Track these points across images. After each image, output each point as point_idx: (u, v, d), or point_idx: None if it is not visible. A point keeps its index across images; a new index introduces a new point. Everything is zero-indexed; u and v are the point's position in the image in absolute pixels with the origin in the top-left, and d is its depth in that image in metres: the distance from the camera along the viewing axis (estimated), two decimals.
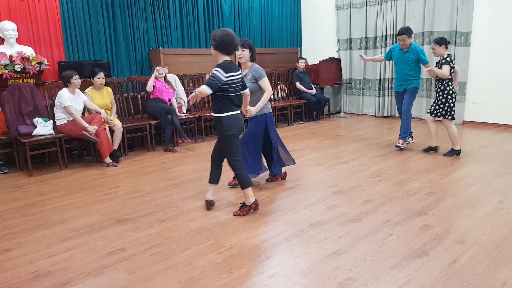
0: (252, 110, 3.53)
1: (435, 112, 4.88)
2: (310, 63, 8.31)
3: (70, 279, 2.38)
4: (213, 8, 7.46)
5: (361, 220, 3.10)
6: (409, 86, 5.24)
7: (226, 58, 3.03)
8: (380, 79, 7.94)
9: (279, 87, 7.83)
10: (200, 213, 3.32)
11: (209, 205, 3.41)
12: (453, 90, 4.76)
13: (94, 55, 6.08)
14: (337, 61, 8.51)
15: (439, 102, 4.81)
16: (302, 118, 7.72)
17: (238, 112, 3.16)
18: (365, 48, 8.12)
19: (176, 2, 6.92)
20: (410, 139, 5.57)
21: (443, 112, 4.80)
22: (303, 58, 7.86)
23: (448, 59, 4.68)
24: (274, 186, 3.95)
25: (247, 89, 3.30)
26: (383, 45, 7.79)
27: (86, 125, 4.63)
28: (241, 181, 3.24)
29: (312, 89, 7.72)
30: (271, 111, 3.88)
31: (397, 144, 5.26)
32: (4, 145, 4.78)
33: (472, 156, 4.87)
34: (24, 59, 4.90)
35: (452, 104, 4.75)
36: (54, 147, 4.75)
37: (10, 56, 4.83)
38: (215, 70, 2.96)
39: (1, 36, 5.08)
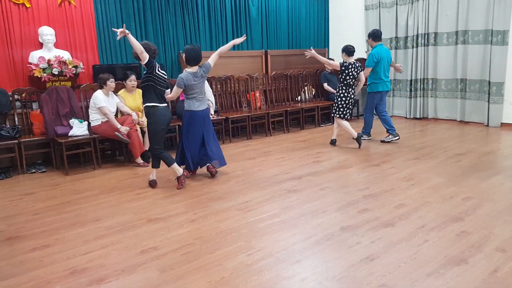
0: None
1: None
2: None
3: (105, 276, 2.44)
4: (241, 11, 7.50)
5: (394, 225, 3.02)
6: (367, 90, 5.96)
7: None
8: (411, 80, 7.73)
9: (306, 88, 7.78)
10: (229, 214, 3.34)
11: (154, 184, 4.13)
12: (343, 93, 5.49)
13: (127, 58, 6.23)
14: (364, 61, 8.34)
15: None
16: (330, 119, 7.63)
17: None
18: (396, 48, 7.93)
19: (205, 6, 7.01)
20: (365, 136, 6.00)
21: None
22: (331, 59, 7.75)
23: (345, 64, 5.39)
24: (303, 189, 3.91)
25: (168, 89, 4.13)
26: (414, 45, 7.59)
27: (119, 126, 4.75)
28: (165, 161, 4.06)
29: (336, 90, 7.60)
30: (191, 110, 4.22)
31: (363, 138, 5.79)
32: (42, 145, 4.99)
33: (511, 160, 4.66)
34: (61, 62, 5.09)
35: (340, 105, 5.53)
36: (88, 147, 4.91)
37: (49, 60, 5.03)
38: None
39: (40, 41, 5.30)
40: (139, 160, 4.95)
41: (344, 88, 5.48)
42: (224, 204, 3.58)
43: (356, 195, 3.68)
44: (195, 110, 4.16)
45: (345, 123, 5.52)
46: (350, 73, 5.38)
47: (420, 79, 7.61)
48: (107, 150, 5.57)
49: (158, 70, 3.83)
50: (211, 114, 6.12)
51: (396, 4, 7.79)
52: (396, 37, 7.92)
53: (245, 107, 6.92)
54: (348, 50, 5.44)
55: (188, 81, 4.04)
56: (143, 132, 5.12)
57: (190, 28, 6.88)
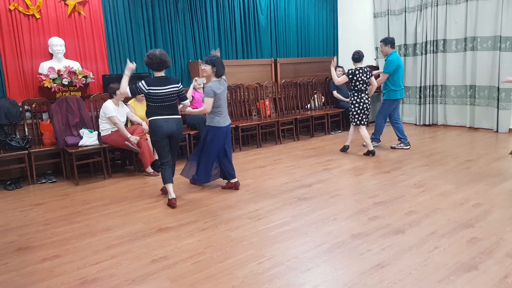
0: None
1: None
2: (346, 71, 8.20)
3: (116, 285, 2.46)
4: (250, 19, 7.57)
5: (405, 232, 3.00)
6: (383, 97, 5.90)
7: (158, 74, 3.79)
8: (421, 87, 7.70)
9: (315, 96, 7.79)
10: (239, 222, 3.34)
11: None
12: (355, 99, 5.47)
13: (136, 68, 6.29)
14: (376, 69, 8.35)
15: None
16: (339, 127, 7.62)
17: (164, 117, 3.79)
18: (405, 55, 7.92)
19: (214, 15, 7.09)
20: (375, 142, 5.95)
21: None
22: (340, 67, 7.78)
23: (352, 71, 5.40)
24: (313, 196, 3.91)
25: (186, 100, 4.00)
26: (423, 52, 7.57)
27: (129, 135, 4.81)
28: (162, 176, 3.97)
29: (349, 97, 7.60)
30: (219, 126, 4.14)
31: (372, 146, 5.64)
32: (53, 155, 5.05)
33: None
34: (71, 73, 5.18)
35: (354, 112, 5.50)
36: (98, 157, 4.96)
37: (58, 71, 5.12)
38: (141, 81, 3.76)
39: (50, 52, 5.41)
40: (149, 170, 4.99)
41: (355, 94, 5.45)
42: (234, 212, 3.59)
43: (367, 202, 3.66)
44: (219, 126, 4.09)
45: (364, 133, 5.48)
46: (359, 79, 5.35)
47: (430, 85, 7.58)
48: (117, 159, 5.62)
49: (147, 89, 3.72)
50: None
51: (405, 11, 7.79)
52: (405, 44, 7.91)
53: (255, 115, 6.95)
54: (353, 57, 5.48)
55: (217, 89, 3.98)
56: None
57: (200, 37, 6.96)
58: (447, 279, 2.32)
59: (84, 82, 5.30)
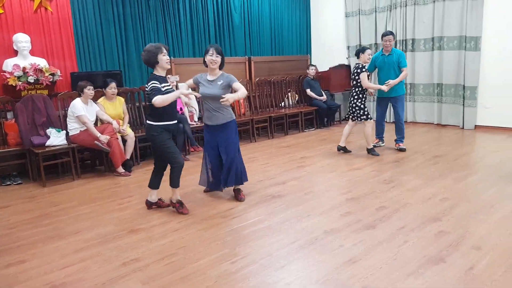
0: (230, 98, 3.36)
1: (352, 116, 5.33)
2: (320, 70, 8.31)
3: None
4: (223, 17, 7.53)
5: (376, 227, 3.06)
6: (399, 93, 5.43)
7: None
8: None
9: (289, 94, 7.84)
10: (213, 222, 3.32)
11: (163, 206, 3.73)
12: (361, 95, 5.20)
13: (106, 65, 6.17)
14: (347, 67, 8.50)
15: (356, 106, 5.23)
16: (313, 125, 7.71)
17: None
18: None
19: (187, 12, 7.01)
20: (381, 142, 5.84)
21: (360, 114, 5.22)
22: (313, 65, 7.87)
23: (360, 66, 5.09)
24: (287, 194, 3.93)
25: (153, 99, 3.21)
26: None
27: (98, 134, 4.68)
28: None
29: (322, 95, 7.71)
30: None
31: (401, 146, 5.51)
32: (18, 156, 4.84)
33: (485, 161, 4.80)
34: (37, 70, 5.00)
35: (362, 106, 5.22)
36: (67, 157, 4.80)
37: (24, 68, 4.93)
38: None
39: (15, 49, 5.19)
40: (121, 169, 4.88)
41: (360, 89, 5.14)
42: (208, 212, 3.56)
43: (339, 199, 3.72)
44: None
45: (370, 130, 5.23)
46: (352, 74, 5.22)
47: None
48: (87, 159, 5.47)
49: (161, 86, 3.32)
50: (195, 121, 6.11)
51: (375, 11, 7.96)
52: (376, 44, 8.08)
53: None
54: (356, 52, 5.26)
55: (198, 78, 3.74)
56: (124, 141, 5.05)
57: (172, 34, 6.86)
58: (416, 272, 2.39)
59: (51, 80, 5.12)
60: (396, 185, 4.06)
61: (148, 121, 3.43)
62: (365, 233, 2.96)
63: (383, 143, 5.87)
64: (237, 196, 3.82)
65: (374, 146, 5.52)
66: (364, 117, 5.19)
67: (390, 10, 7.73)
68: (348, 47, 8.52)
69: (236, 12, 7.74)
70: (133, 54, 6.43)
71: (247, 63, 7.49)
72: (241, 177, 3.82)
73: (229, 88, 3.65)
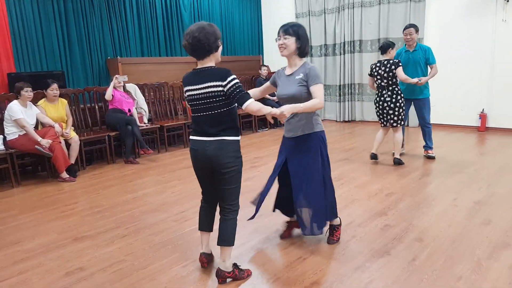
0: (285, 111, 2.32)
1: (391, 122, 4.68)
2: (272, 70, 8.39)
3: None
4: (173, 16, 7.38)
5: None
6: (426, 95, 4.86)
7: (199, 65, 2.32)
8: (340, 85, 8.15)
9: None
10: (164, 226, 3.24)
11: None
12: (375, 98, 4.77)
13: (47, 65, 5.82)
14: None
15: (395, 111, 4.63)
16: (266, 125, 7.77)
17: (196, 138, 2.31)
18: (325, 55, 8.32)
19: (134, 10, 6.78)
20: (402, 149, 5.23)
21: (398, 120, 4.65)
22: (265, 66, 7.93)
23: (372, 65, 4.71)
24: (240, 194, 3.90)
25: (246, 102, 2.19)
26: (342, 52, 8.02)
27: (39, 139, 4.40)
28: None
29: (275, 96, 7.77)
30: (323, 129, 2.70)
31: (430, 154, 4.97)
32: None
33: (426, 157, 5.08)
34: None
35: (376, 112, 4.80)
36: (5, 163, 4.47)
37: None
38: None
39: None
40: (65, 175, 4.62)
41: (376, 92, 4.74)
42: (158, 216, 3.47)
43: None
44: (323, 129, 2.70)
45: (396, 137, 4.71)
46: (376, 73, 4.64)
47: (348, 84, 8.05)
48: (28, 165, 5.13)
49: (185, 90, 2.37)
50: (144, 123, 5.94)
51: (324, 12, 8.18)
52: (325, 45, 8.30)
53: (181, 114, 6.81)
54: (379, 47, 4.75)
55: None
56: (68, 145, 4.79)
57: (119, 33, 6.62)
58: (363, 266, 2.48)
59: None
60: (345, 181, 4.19)
61: (226, 136, 2.23)
62: None
63: (403, 149, 5.32)
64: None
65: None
66: (402, 120, 4.67)
67: (339, 12, 7.98)
68: None
69: (186, 11, 7.62)
70: (77, 53, 6.12)
71: (197, 63, 7.38)
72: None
73: (307, 88, 2.50)
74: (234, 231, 2.34)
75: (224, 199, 2.33)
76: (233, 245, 2.35)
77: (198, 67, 2.30)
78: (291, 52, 2.51)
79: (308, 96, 2.47)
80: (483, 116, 6.59)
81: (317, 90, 2.44)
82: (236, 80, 2.20)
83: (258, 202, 2.80)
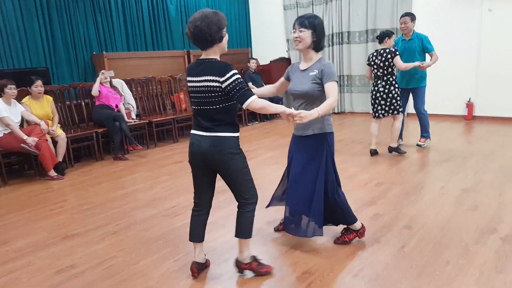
0: (304, 118, 2.18)
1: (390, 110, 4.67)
2: (261, 63, 8.37)
3: None
4: (159, 9, 7.28)
5: None
6: (422, 84, 4.84)
7: (201, 55, 2.19)
8: None
9: None
10: (155, 221, 3.22)
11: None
12: (371, 88, 4.79)
13: (31, 62, 5.71)
14: (288, 60, 8.63)
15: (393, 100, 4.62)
16: (256, 118, 7.76)
17: (193, 132, 2.25)
18: None
19: (119, 3, 6.68)
20: (400, 140, 5.20)
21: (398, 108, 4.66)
22: (254, 59, 7.90)
23: (370, 54, 4.71)
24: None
25: (248, 101, 2.06)
26: (330, 43, 8.02)
27: (25, 137, 4.33)
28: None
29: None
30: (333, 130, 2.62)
31: (420, 143, 5.03)
32: None
33: (415, 146, 5.13)
34: None
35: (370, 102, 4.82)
36: None
37: None
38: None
39: None
40: (52, 173, 4.56)
41: (373, 82, 4.75)
42: (149, 211, 3.45)
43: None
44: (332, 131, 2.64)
45: (398, 124, 4.72)
46: (373, 63, 4.62)
47: (338, 75, 8.06)
48: (14, 164, 5.05)
49: (187, 80, 2.26)
50: (132, 119, 5.88)
51: (312, 4, 8.15)
52: None
53: (169, 109, 6.75)
54: (377, 36, 4.73)
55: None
56: (55, 143, 4.72)
57: (104, 27, 6.51)
58: (354, 254, 2.51)
59: None
60: None
61: (222, 133, 2.16)
62: None
63: (402, 140, 5.27)
64: None
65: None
66: (401, 109, 4.65)
67: (326, 3, 7.96)
68: (288, 40, 8.66)
69: (172, 3, 7.53)
70: (61, 49, 6.01)
71: (185, 56, 7.34)
72: None
73: (321, 85, 2.41)
74: (251, 224, 2.31)
75: (235, 194, 2.33)
76: (250, 237, 2.32)
77: (202, 57, 2.18)
78: (306, 46, 2.41)
79: (321, 94, 2.40)
80: (470, 105, 6.68)
81: (332, 88, 2.35)
82: (237, 76, 2.06)
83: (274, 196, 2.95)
